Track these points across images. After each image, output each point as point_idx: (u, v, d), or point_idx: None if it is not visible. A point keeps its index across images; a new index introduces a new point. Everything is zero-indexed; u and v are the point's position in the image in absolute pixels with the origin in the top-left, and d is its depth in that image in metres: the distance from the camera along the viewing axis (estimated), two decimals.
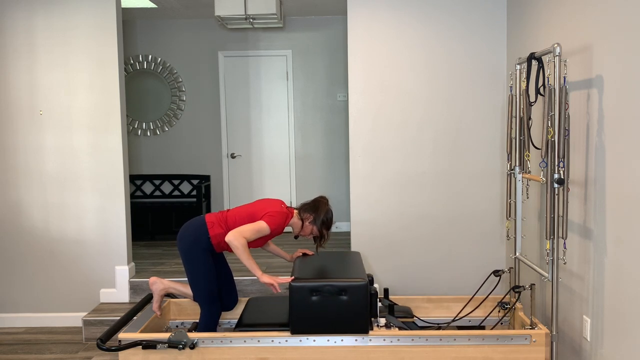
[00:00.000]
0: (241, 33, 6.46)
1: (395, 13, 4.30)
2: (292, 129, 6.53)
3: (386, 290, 3.48)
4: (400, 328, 3.10)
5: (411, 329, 3.22)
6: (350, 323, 2.96)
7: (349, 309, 2.95)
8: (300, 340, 2.98)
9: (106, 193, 4.39)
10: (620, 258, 2.63)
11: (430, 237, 4.43)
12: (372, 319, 3.11)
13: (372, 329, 3.04)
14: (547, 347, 2.95)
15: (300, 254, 3.52)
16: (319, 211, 3.28)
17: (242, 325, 3.15)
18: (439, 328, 3.43)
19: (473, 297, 3.56)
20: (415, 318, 3.51)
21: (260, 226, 3.12)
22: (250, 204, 3.32)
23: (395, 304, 3.53)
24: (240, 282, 4.39)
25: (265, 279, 3.07)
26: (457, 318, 3.52)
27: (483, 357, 2.95)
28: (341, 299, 2.95)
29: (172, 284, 3.47)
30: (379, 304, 3.35)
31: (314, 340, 2.97)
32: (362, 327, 2.97)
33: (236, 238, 3.05)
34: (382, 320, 3.12)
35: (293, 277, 3.02)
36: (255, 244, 3.27)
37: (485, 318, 3.45)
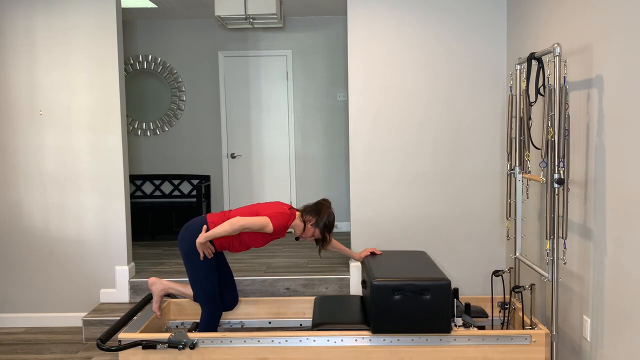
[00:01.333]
0: (241, 33, 6.46)
1: (395, 13, 4.30)
2: (292, 129, 6.53)
3: (456, 290, 3.47)
4: (477, 327, 3.08)
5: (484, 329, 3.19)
6: (432, 323, 2.94)
7: (431, 308, 2.93)
8: (300, 341, 2.98)
9: (106, 193, 4.39)
10: (620, 258, 2.63)
11: (430, 237, 4.43)
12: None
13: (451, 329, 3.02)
14: (547, 347, 2.95)
15: (369, 252, 3.52)
16: (321, 214, 3.28)
17: (319, 324, 3.11)
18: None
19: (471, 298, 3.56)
20: (495, 317, 3.49)
21: (264, 221, 3.12)
22: (254, 205, 3.33)
23: (469, 304, 3.52)
24: (240, 282, 4.39)
25: (200, 240, 3.14)
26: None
27: (483, 357, 2.95)
28: (423, 299, 2.93)
29: (171, 284, 3.47)
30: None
31: (314, 341, 2.97)
32: (444, 326, 2.94)
33: (237, 220, 3.09)
34: (460, 320, 3.11)
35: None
36: (256, 242, 3.27)
37: (484, 319, 3.44)
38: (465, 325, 3.09)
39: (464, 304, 3.26)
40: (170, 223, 6.13)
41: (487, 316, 3.39)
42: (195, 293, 3.26)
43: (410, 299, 2.93)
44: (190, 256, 3.22)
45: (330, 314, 3.25)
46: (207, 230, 3.20)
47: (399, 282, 2.93)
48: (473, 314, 3.36)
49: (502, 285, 4.41)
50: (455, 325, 3.09)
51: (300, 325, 3.66)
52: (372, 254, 3.52)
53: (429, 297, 2.93)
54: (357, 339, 2.97)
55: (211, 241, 3.22)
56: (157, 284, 3.45)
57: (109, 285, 4.46)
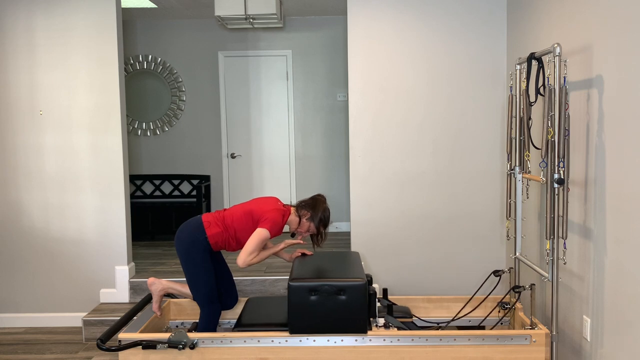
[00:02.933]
0: (241, 33, 6.46)
1: (396, 13, 4.30)
2: (292, 129, 6.53)
3: (385, 290, 3.48)
4: (399, 328, 3.09)
5: (410, 329, 3.22)
6: (349, 323, 2.96)
7: (347, 308, 2.95)
8: (300, 341, 2.98)
9: (106, 193, 4.39)
10: (620, 258, 2.63)
11: (430, 237, 4.43)
12: (371, 319, 3.11)
13: (370, 329, 3.04)
14: (547, 347, 2.95)
15: (300, 254, 3.52)
16: (316, 209, 3.28)
17: (241, 325, 3.15)
18: (438, 328, 3.43)
19: (472, 297, 3.57)
20: (414, 318, 3.51)
21: (262, 235, 3.14)
22: (247, 203, 3.32)
23: (394, 304, 3.53)
24: (240, 282, 4.39)
25: (285, 244, 3.24)
26: (456, 318, 3.52)
27: (483, 357, 2.95)
28: (340, 299, 2.95)
29: (170, 284, 3.47)
30: (378, 304, 3.34)
31: (314, 341, 2.97)
32: (360, 326, 2.96)
33: (246, 260, 3.12)
34: (381, 320, 3.11)
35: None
36: None
37: (485, 318, 3.45)
38: (386, 325, 3.09)
39: (387, 304, 3.27)
40: (170, 223, 6.13)
41: (411, 317, 3.40)
42: (194, 293, 3.26)
43: (326, 299, 2.95)
44: (187, 256, 3.22)
45: (256, 315, 3.28)
46: (205, 233, 3.21)
47: (315, 283, 2.95)
48: (397, 314, 3.38)
49: (502, 285, 4.41)
50: (377, 326, 3.11)
51: None
52: (303, 254, 3.52)
53: (345, 298, 2.95)
54: (357, 339, 2.97)
55: (208, 242, 3.22)
56: (157, 284, 3.44)
57: (109, 285, 4.45)
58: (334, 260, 3.35)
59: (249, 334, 2.99)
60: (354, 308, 2.95)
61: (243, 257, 3.10)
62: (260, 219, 3.19)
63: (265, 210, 3.20)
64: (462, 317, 3.53)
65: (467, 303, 3.53)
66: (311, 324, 2.97)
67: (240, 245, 3.29)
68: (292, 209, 3.33)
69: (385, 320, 3.12)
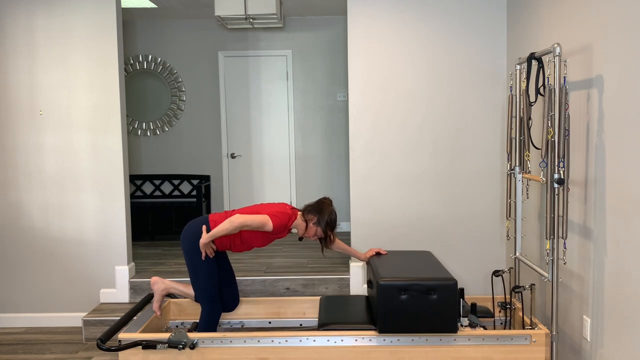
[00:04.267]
0: (241, 33, 6.46)
1: (396, 13, 4.30)
2: (292, 129, 6.53)
3: (462, 290, 3.46)
4: (483, 327, 3.07)
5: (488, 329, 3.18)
6: (439, 323, 2.93)
7: (438, 308, 2.92)
8: (300, 341, 2.98)
9: (106, 193, 4.39)
10: (620, 258, 2.63)
11: (430, 237, 4.43)
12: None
13: (457, 329, 3.01)
14: (547, 347, 2.95)
15: (374, 252, 3.51)
16: (322, 212, 3.28)
17: (325, 324, 3.11)
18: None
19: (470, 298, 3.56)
20: (496, 317, 3.49)
21: (263, 219, 3.12)
22: (256, 205, 3.33)
23: (476, 303, 3.51)
24: (240, 282, 4.39)
25: (203, 241, 3.14)
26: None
27: (483, 357, 2.95)
28: (430, 298, 2.93)
29: (173, 284, 3.47)
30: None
31: (314, 341, 2.97)
32: (450, 326, 2.93)
33: (236, 218, 3.09)
34: (465, 320, 3.10)
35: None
36: (258, 242, 3.27)
37: (483, 318, 3.44)
38: (472, 325, 3.08)
39: (469, 304, 3.26)
40: (170, 223, 6.13)
41: (492, 316, 3.38)
42: (196, 292, 3.27)
43: (416, 298, 2.92)
44: (191, 255, 3.23)
45: (336, 314, 3.24)
46: (208, 230, 3.21)
47: (405, 282, 2.92)
48: (479, 314, 3.35)
49: (502, 285, 4.41)
50: (462, 325, 3.09)
51: (300, 325, 3.66)
52: (378, 254, 3.51)
53: (436, 297, 2.92)
54: (357, 339, 2.97)
55: (213, 241, 3.22)
56: (159, 284, 3.45)
57: (109, 285, 4.45)
58: (414, 260, 3.32)
59: (249, 334, 2.99)
60: (444, 308, 2.92)
61: (240, 219, 3.08)
62: (267, 214, 3.20)
63: (273, 211, 3.21)
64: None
65: (494, 306, 3.52)
66: (400, 323, 2.94)
67: (245, 246, 3.29)
68: (299, 213, 3.33)
69: (469, 320, 3.11)
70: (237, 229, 3.11)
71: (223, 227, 3.10)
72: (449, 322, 2.93)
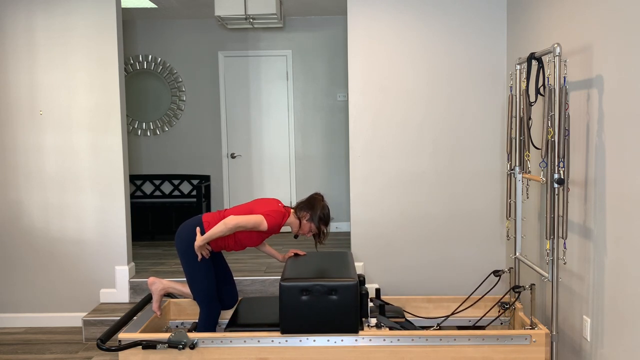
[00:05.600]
0: (241, 33, 6.46)
1: (396, 13, 4.30)
2: (292, 129, 6.53)
3: (378, 291, 3.48)
4: (391, 328, 3.09)
5: (406, 329, 3.22)
6: (340, 323, 2.96)
7: (338, 308, 2.95)
8: (300, 341, 2.98)
9: (106, 193, 4.39)
10: (620, 258, 2.63)
11: (430, 237, 4.43)
12: (363, 319, 3.11)
13: (362, 329, 3.04)
14: (547, 347, 2.95)
15: (292, 254, 3.53)
16: (314, 208, 3.28)
17: (235, 325, 3.15)
18: (437, 326, 3.43)
19: (469, 297, 3.56)
20: (405, 318, 3.50)
21: (258, 219, 3.11)
22: (247, 203, 3.32)
23: (388, 303, 3.52)
24: (240, 282, 4.39)
25: (198, 243, 3.14)
26: (447, 316, 3.51)
27: (483, 357, 2.95)
28: (331, 299, 2.95)
29: (171, 284, 3.47)
30: (370, 304, 3.34)
31: (314, 341, 2.97)
32: (351, 326, 2.96)
33: (231, 219, 3.08)
34: (373, 320, 3.11)
35: None
36: (252, 241, 3.27)
37: (481, 318, 3.44)
38: (378, 325, 3.09)
39: (379, 304, 3.27)
40: (170, 223, 6.13)
41: (403, 317, 3.41)
42: (193, 292, 3.26)
43: (318, 299, 2.95)
44: (187, 256, 3.22)
45: (250, 315, 3.28)
46: (202, 232, 3.20)
47: (306, 283, 2.95)
48: (389, 314, 3.37)
49: (502, 285, 4.41)
50: (368, 326, 3.11)
51: None
52: (296, 255, 3.52)
53: (337, 298, 2.95)
54: (357, 339, 2.97)
55: (207, 242, 3.22)
56: (157, 284, 3.44)
57: (109, 285, 4.45)
58: (327, 261, 3.35)
59: (249, 334, 2.99)
60: (345, 308, 2.95)
61: (235, 221, 3.07)
62: (261, 213, 3.19)
63: (266, 210, 3.20)
64: (456, 316, 3.52)
65: (462, 302, 3.53)
66: (302, 323, 2.97)
67: (239, 246, 3.29)
68: (292, 211, 3.32)
69: (377, 320, 3.12)
70: (231, 231, 3.11)
71: (217, 230, 3.09)
72: (351, 322, 2.96)
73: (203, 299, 3.24)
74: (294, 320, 2.97)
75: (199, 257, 3.19)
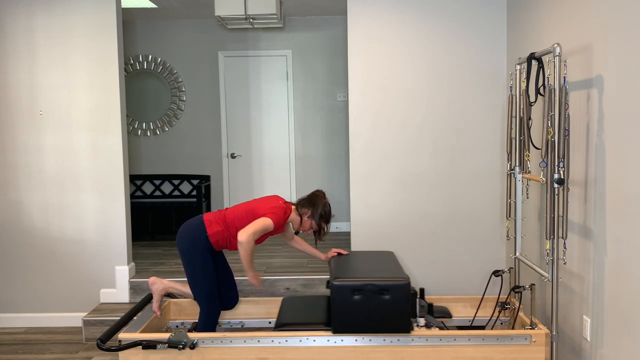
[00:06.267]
0: (241, 33, 6.46)
1: (396, 13, 4.30)
2: (292, 129, 6.53)
3: (422, 290, 3.45)
4: (440, 328, 3.09)
5: (450, 329, 3.20)
6: (392, 323, 2.94)
7: (390, 308, 2.93)
8: (300, 341, 2.98)
9: (106, 193, 4.39)
10: (620, 258, 2.63)
11: (430, 237, 4.43)
12: (412, 319, 3.09)
13: (412, 329, 3.02)
14: (547, 347, 2.95)
15: (335, 253, 3.51)
16: (316, 205, 3.28)
17: (282, 325, 3.12)
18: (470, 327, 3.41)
19: (482, 298, 3.56)
20: (453, 318, 3.50)
21: (266, 222, 3.12)
22: (249, 202, 3.32)
23: (433, 303, 3.51)
24: (240, 282, 4.39)
25: (251, 278, 3.19)
26: (473, 318, 3.51)
27: (483, 357, 2.95)
28: (383, 299, 2.94)
29: (172, 284, 3.47)
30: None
31: (314, 341, 2.97)
32: (403, 326, 2.94)
33: (247, 238, 3.06)
34: (422, 320, 3.10)
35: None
36: (257, 240, 3.27)
37: (475, 317, 3.44)
38: (427, 325, 3.09)
39: (428, 303, 3.27)
40: (170, 223, 6.13)
41: (450, 316, 3.40)
42: (194, 292, 3.26)
43: (369, 298, 2.94)
44: (187, 255, 3.22)
45: (295, 314, 3.26)
46: (206, 232, 3.20)
47: (358, 282, 2.94)
48: (436, 314, 3.37)
49: (502, 285, 4.41)
50: (418, 326, 3.10)
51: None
52: (339, 254, 3.51)
53: (388, 297, 2.94)
54: (357, 339, 2.97)
55: (209, 241, 3.22)
56: (158, 284, 3.45)
57: (109, 285, 4.46)
58: (373, 260, 3.33)
59: (249, 333, 2.99)
60: (397, 308, 2.93)
61: (247, 233, 3.05)
62: (263, 215, 3.19)
63: (268, 208, 3.20)
64: (458, 313, 3.52)
65: (479, 305, 3.51)
66: (354, 323, 2.95)
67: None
68: (293, 208, 3.33)
69: (425, 320, 3.11)
70: (251, 242, 3.09)
71: (245, 255, 3.09)
72: (402, 321, 2.94)
73: (203, 299, 3.24)
74: (345, 319, 2.95)
75: (258, 285, 3.26)
